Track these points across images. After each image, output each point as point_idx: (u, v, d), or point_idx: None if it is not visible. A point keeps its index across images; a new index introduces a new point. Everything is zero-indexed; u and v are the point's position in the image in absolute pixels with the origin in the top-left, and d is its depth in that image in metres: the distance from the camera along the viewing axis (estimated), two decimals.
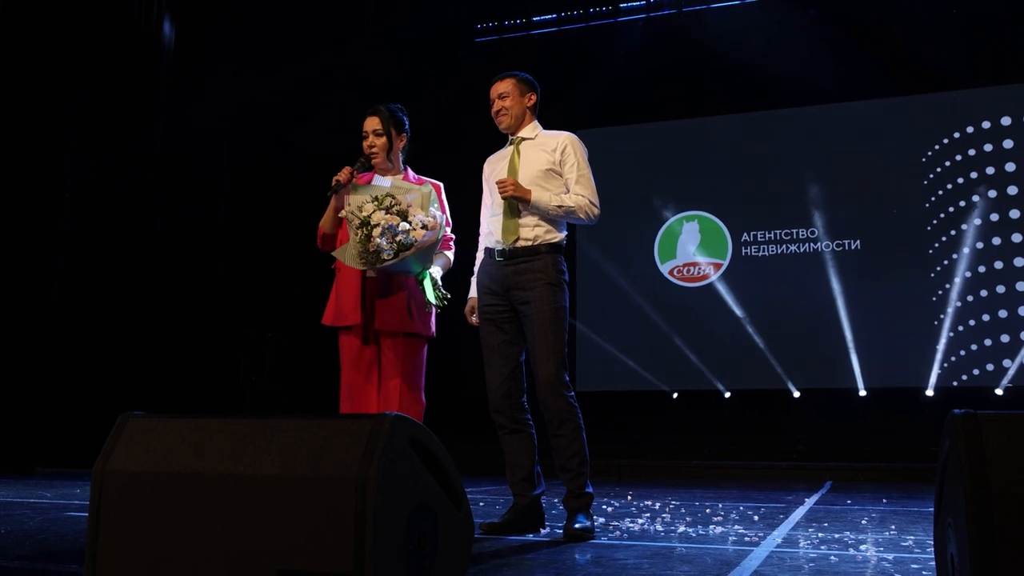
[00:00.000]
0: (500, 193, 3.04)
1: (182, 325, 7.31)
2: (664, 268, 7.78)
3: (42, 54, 6.52)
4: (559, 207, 3.05)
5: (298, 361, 7.50)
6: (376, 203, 3.01)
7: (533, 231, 3.07)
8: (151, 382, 7.00)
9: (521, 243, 3.07)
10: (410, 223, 2.99)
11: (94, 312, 6.72)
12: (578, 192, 3.09)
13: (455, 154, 6.62)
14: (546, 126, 3.32)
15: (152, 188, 7.22)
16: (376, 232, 2.94)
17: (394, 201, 3.03)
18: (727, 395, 7.44)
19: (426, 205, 3.11)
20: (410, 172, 3.36)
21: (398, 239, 2.96)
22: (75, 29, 6.70)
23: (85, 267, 6.72)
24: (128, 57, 7.09)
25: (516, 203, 3.07)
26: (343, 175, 3.20)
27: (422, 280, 3.16)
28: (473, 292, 3.26)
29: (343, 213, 3.08)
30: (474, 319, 3.24)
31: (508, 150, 3.24)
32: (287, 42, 7.65)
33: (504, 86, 3.22)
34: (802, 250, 7.41)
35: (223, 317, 7.59)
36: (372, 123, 3.33)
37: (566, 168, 3.13)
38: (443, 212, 3.20)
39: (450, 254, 3.32)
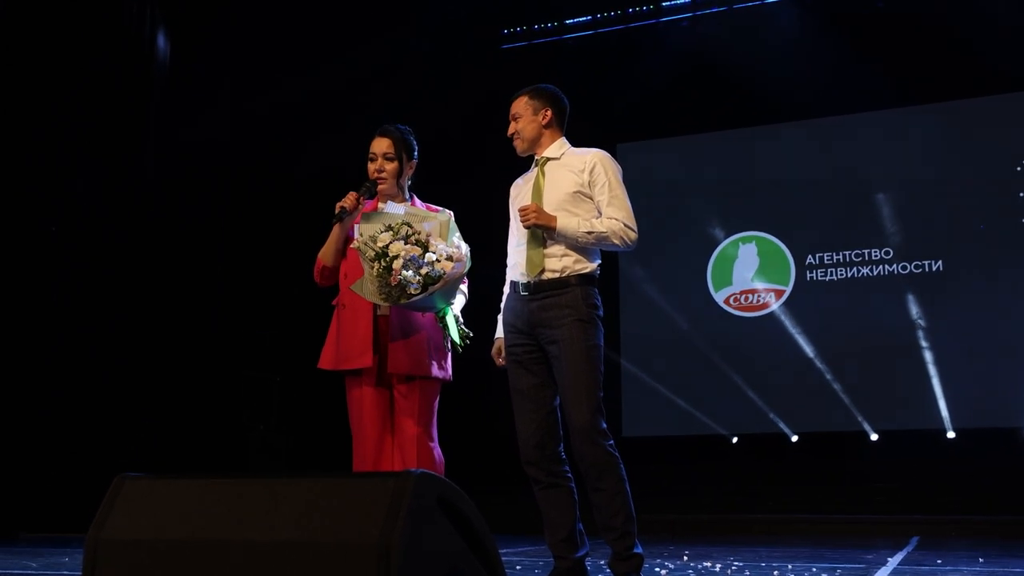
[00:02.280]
0: (522, 221, 3.09)
1: (177, 369, 7.42)
2: (719, 296, 7.77)
3: (37, 58, 6.79)
4: (589, 233, 3.08)
5: (307, 408, 7.58)
6: (392, 232, 3.06)
7: (561, 261, 3.11)
8: (146, 434, 7.10)
9: (547, 275, 3.11)
10: (434, 254, 3.04)
11: (84, 360, 6.86)
12: (611, 215, 3.12)
13: (478, 176, 6.71)
14: (580, 141, 3.37)
15: (142, 215, 7.39)
16: (397, 264, 2.98)
17: (411, 230, 3.07)
18: (794, 439, 7.38)
19: (446, 234, 3.17)
20: (417, 200, 3.42)
21: (423, 271, 3.00)
22: (69, 35, 6.98)
23: (72, 310, 6.88)
24: (121, 71, 7.31)
25: (541, 231, 3.11)
26: (349, 202, 3.27)
27: (443, 317, 3.22)
28: (500, 332, 3.30)
29: (355, 244, 3.13)
30: (501, 360, 3.29)
31: (533, 172, 3.30)
32: (290, 55, 7.82)
33: (516, 106, 3.28)
34: (875, 273, 7.37)
35: (222, 358, 7.69)
36: (383, 145, 3.40)
37: (596, 189, 3.16)
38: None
39: (466, 289, 3.37)
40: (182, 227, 7.61)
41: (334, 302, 3.37)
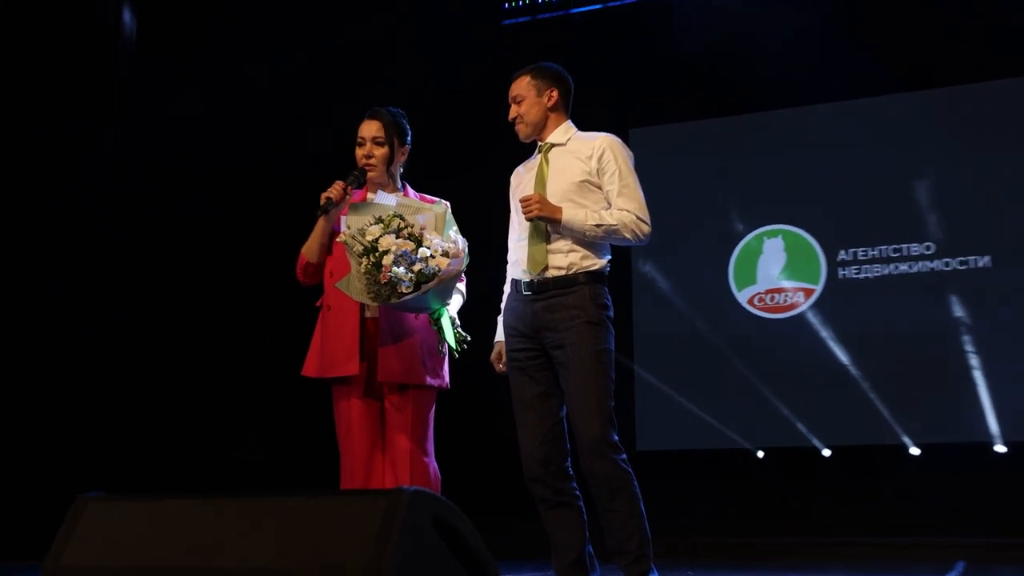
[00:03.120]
0: (524, 213, 3.10)
1: (143, 379, 7.43)
2: (742, 296, 7.76)
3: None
4: (597, 226, 3.09)
5: (290, 419, 7.58)
6: (382, 225, 3.07)
7: (567, 257, 3.12)
8: (109, 454, 7.11)
9: (552, 273, 3.12)
10: (428, 249, 3.04)
11: (40, 375, 6.88)
12: (621, 206, 3.14)
13: (476, 164, 6.70)
14: (589, 126, 3.38)
15: (105, 198, 7.42)
16: (387, 260, 2.99)
17: (404, 223, 3.08)
18: (826, 453, 7.37)
19: (441, 227, 3.18)
20: (410, 189, 3.43)
21: (416, 268, 3.01)
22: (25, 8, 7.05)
23: (20, 325, 6.90)
24: (84, 47, 7.35)
25: (544, 224, 3.12)
26: (335, 191, 3.28)
27: (438, 319, 3.22)
28: (500, 335, 3.31)
29: (341, 238, 3.15)
30: (501, 367, 3.29)
31: (536, 159, 3.30)
32: (270, 32, 7.83)
33: (517, 87, 3.30)
34: (916, 270, 7.36)
35: (195, 369, 7.69)
36: (372, 128, 3.41)
37: (605, 177, 3.17)
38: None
39: (463, 288, 3.38)
40: (148, 215, 7.61)
41: (318, 303, 3.38)
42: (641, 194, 3.14)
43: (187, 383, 7.58)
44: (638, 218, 3.09)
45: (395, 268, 2.96)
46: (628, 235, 3.09)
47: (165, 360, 7.55)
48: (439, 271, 3.00)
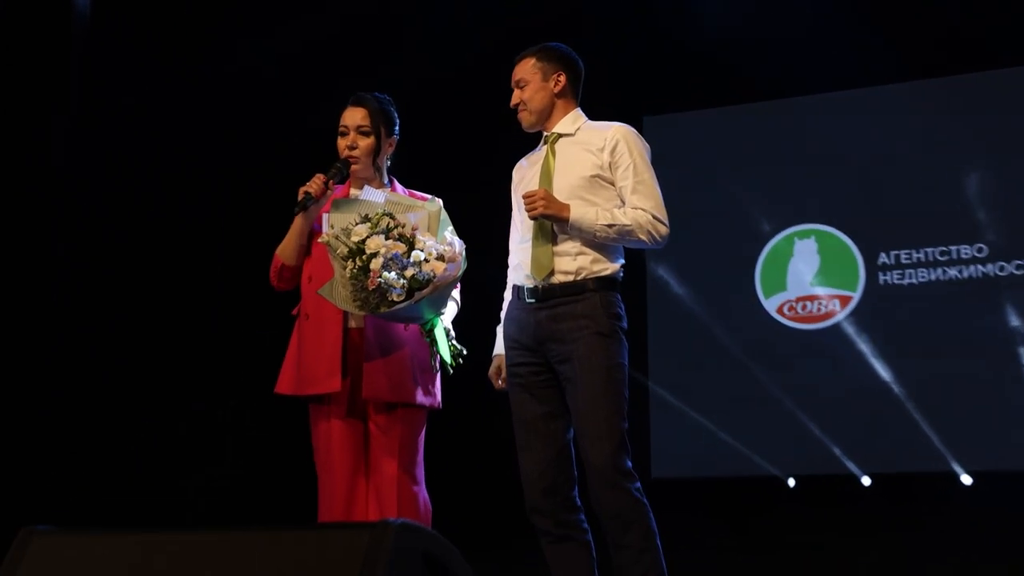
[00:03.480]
0: (528, 211, 3.10)
1: (100, 398, 7.43)
2: (770, 304, 7.77)
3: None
4: (609, 226, 3.11)
5: (263, 442, 7.58)
6: (370, 225, 3.06)
7: (575, 261, 3.14)
8: (62, 481, 7.10)
9: (559, 278, 3.13)
10: (421, 252, 3.04)
11: None
12: (636, 204, 3.15)
13: (474, 156, 6.72)
14: (598, 113, 3.39)
15: (56, 189, 7.44)
16: (376, 264, 2.99)
17: (394, 222, 3.08)
18: (866, 481, 7.37)
19: (435, 227, 3.18)
20: (398, 185, 3.43)
21: (408, 273, 3.00)
22: None
23: None
24: (32, 22, 7.37)
25: (550, 224, 3.12)
26: (315, 186, 3.29)
27: (431, 330, 3.22)
28: (500, 347, 3.31)
29: (323, 239, 3.16)
30: (501, 383, 3.30)
31: (542, 151, 3.31)
32: (240, 10, 7.84)
33: (520, 70, 3.31)
34: (966, 275, 7.36)
35: (160, 386, 7.70)
36: (355, 116, 3.42)
37: (619, 172, 3.18)
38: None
39: (458, 296, 3.38)
40: (103, 206, 7.62)
41: (294, 311, 3.38)
42: (659, 191, 3.15)
43: (157, 396, 7.58)
44: (655, 218, 3.09)
45: (385, 273, 2.96)
46: (644, 237, 3.10)
47: (132, 370, 7.55)
48: (434, 276, 3.00)
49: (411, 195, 3.41)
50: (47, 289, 7.35)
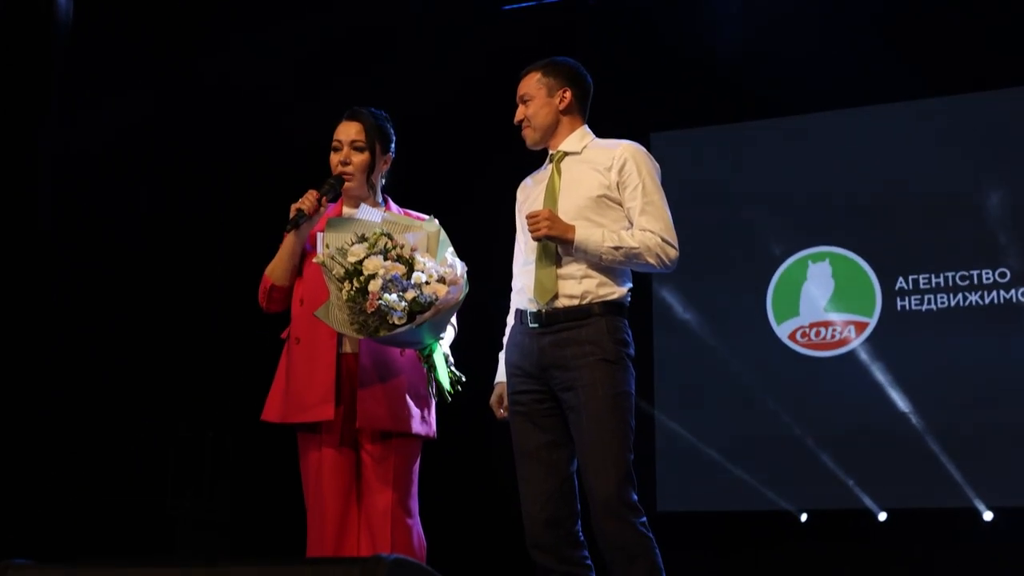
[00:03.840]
0: (531, 232, 3.11)
1: (80, 418, 7.41)
2: (782, 330, 7.77)
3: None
4: (616, 249, 3.11)
5: (250, 472, 7.57)
6: (367, 245, 3.06)
7: (581, 285, 3.14)
8: (41, 511, 7.08)
9: (563, 302, 3.13)
10: (423, 274, 3.03)
11: None
12: (644, 226, 3.15)
13: (475, 175, 6.73)
14: (603, 130, 3.40)
15: (37, 208, 7.43)
16: (374, 286, 2.98)
17: (392, 242, 3.07)
18: (881, 517, 7.36)
19: (434, 248, 3.19)
20: (392, 204, 3.44)
21: (409, 296, 2.99)
22: None
23: None
24: (11, 29, 7.40)
25: (554, 246, 3.13)
26: (308, 203, 3.29)
27: (429, 355, 3.22)
28: (502, 374, 3.31)
29: (317, 259, 3.14)
30: (502, 412, 3.30)
31: (547, 170, 3.32)
32: (230, 19, 7.86)
33: (525, 85, 3.33)
34: (987, 300, 7.36)
35: (143, 411, 7.69)
36: (350, 131, 3.43)
37: (627, 192, 3.19)
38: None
39: (455, 321, 3.39)
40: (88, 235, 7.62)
41: (284, 334, 3.38)
42: (668, 213, 3.15)
43: (142, 421, 7.58)
44: (664, 240, 3.09)
45: (386, 295, 2.95)
46: (652, 260, 3.10)
47: (117, 394, 7.55)
48: (436, 299, 3.00)
49: (406, 214, 3.41)
50: (32, 312, 7.35)
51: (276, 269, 3.37)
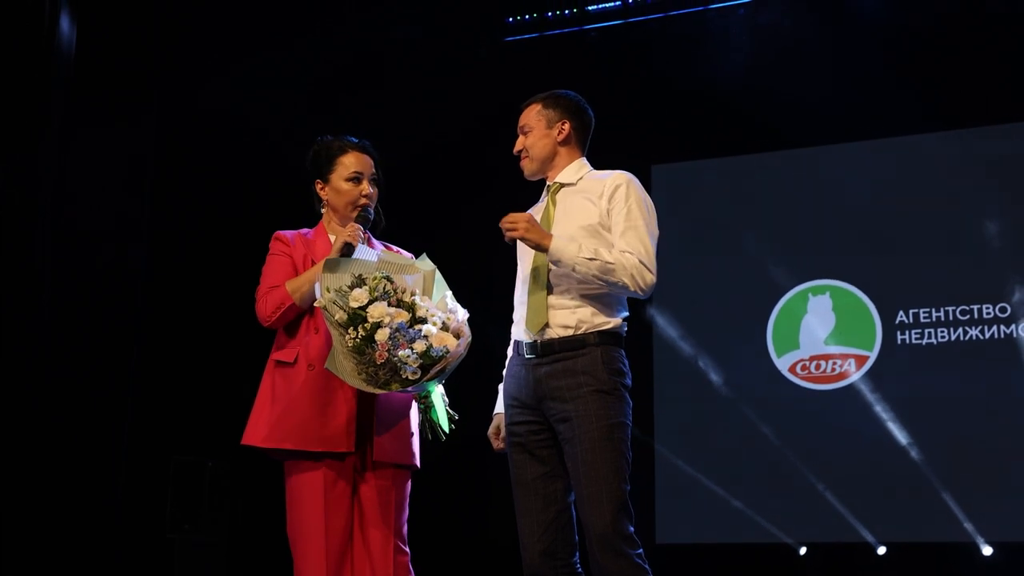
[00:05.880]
0: (506, 231, 3.08)
1: (80, 445, 7.40)
2: (782, 363, 7.76)
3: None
4: (591, 260, 3.06)
5: (249, 500, 7.55)
6: (368, 289, 2.98)
7: (574, 314, 3.13)
8: (39, 538, 7.06)
9: (558, 332, 3.13)
10: (433, 328, 2.95)
11: None
12: (623, 248, 3.13)
13: (474, 206, 6.74)
14: (606, 163, 3.41)
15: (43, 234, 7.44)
16: (381, 336, 2.90)
17: (391, 286, 3.00)
18: (881, 551, 7.33)
19: (430, 290, 3.12)
20: (372, 238, 3.41)
21: (419, 348, 2.91)
22: None
23: None
24: (13, 58, 7.42)
25: (546, 273, 3.12)
26: (353, 235, 3.21)
27: (427, 395, 3.19)
28: (500, 406, 3.31)
29: (319, 303, 3.05)
30: (500, 443, 3.29)
31: (544, 201, 3.34)
32: (229, 45, 7.89)
33: (525, 116, 3.34)
34: (988, 335, 7.36)
35: (141, 438, 7.68)
36: (366, 164, 3.43)
37: (612, 216, 3.18)
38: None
39: None
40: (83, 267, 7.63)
41: (288, 358, 3.28)
42: (650, 240, 3.12)
43: (140, 449, 7.57)
44: (641, 263, 3.05)
45: (400, 351, 2.86)
46: (627, 280, 3.04)
47: (114, 421, 7.54)
48: (447, 353, 2.92)
49: (387, 248, 3.39)
50: (29, 339, 7.35)
51: (299, 289, 3.23)
